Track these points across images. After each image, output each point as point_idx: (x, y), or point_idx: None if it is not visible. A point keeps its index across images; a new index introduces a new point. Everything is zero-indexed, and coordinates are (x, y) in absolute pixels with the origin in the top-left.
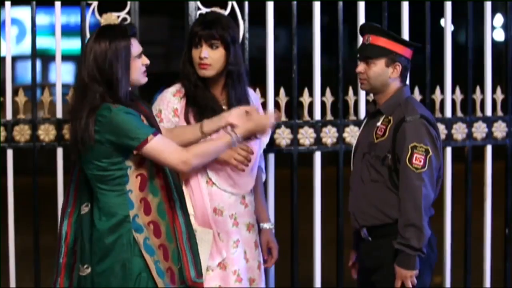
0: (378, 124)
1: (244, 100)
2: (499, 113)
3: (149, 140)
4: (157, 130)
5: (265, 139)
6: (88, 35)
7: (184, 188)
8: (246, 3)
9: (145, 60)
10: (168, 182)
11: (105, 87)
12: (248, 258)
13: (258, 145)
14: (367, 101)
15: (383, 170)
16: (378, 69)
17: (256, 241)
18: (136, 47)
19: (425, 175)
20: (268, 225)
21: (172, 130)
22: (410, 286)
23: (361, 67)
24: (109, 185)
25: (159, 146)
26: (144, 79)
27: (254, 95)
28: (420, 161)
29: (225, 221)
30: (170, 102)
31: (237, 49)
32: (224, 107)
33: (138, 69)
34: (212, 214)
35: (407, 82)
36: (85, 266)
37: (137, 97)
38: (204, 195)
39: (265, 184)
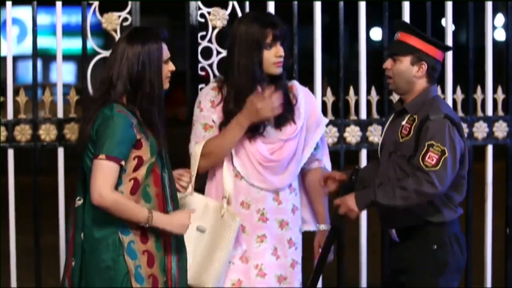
0: (403, 123)
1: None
2: (500, 112)
3: (98, 158)
4: (120, 159)
5: (315, 137)
6: (89, 35)
7: (212, 179)
8: (247, 3)
9: (171, 66)
10: (164, 192)
11: (131, 88)
12: (279, 255)
13: (296, 141)
14: (368, 101)
15: (409, 170)
16: (403, 66)
17: (291, 239)
18: (166, 52)
19: (434, 175)
20: (323, 226)
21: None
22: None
23: (387, 63)
24: None
25: (98, 169)
26: (167, 85)
27: (300, 87)
28: (433, 160)
29: (251, 215)
30: (208, 94)
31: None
32: None
33: (165, 75)
34: (239, 207)
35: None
36: (74, 259)
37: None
38: (227, 186)
39: None
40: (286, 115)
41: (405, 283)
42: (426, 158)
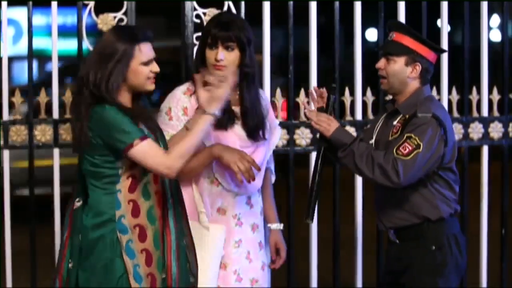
0: (395, 123)
1: (257, 101)
2: (496, 113)
3: (134, 145)
4: (146, 135)
5: (274, 140)
6: (84, 36)
7: (192, 186)
8: (243, 3)
9: (154, 67)
10: (164, 189)
11: (96, 85)
12: (252, 258)
13: (266, 146)
14: (363, 102)
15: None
16: (397, 66)
17: (261, 242)
18: (145, 53)
19: (401, 163)
20: (276, 226)
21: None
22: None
23: (381, 62)
24: (100, 182)
25: (144, 152)
26: (150, 86)
27: (264, 95)
28: (405, 150)
29: (227, 221)
30: (180, 100)
31: (251, 50)
32: (236, 108)
33: (142, 75)
34: (216, 213)
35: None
36: (71, 260)
37: (144, 104)
38: (204, 195)
39: None
40: (259, 119)
41: (405, 284)
42: (400, 148)
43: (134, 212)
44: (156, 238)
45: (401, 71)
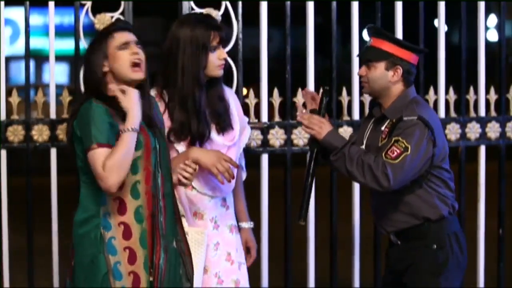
0: (383, 128)
1: (222, 97)
2: (493, 113)
3: (91, 149)
4: (108, 143)
5: (244, 139)
6: (81, 36)
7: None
8: (240, 3)
9: (134, 49)
10: (155, 191)
11: (85, 79)
12: (233, 259)
13: (237, 146)
14: (361, 102)
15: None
16: (378, 72)
17: (239, 242)
18: (118, 38)
19: (390, 167)
20: (247, 224)
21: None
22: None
23: (362, 70)
24: (87, 178)
25: (94, 159)
26: (133, 75)
27: (228, 90)
28: (393, 153)
29: (205, 225)
30: None
31: None
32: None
33: (122, 61)
34: (193, 218)
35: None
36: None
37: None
38: (183, 199)
39: (259, 184)
40: (227, 120)
41: (406, 284)
42: (389, 152)
43: (120, 209)
44: (143, 237)
45: (382, 76)
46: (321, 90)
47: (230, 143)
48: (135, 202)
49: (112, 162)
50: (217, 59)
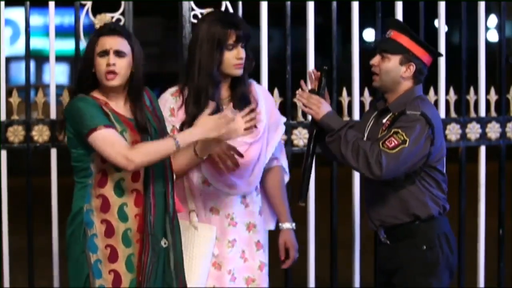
0: (384, 121)
1: (246, 96)
2: (493, 113)
3: (97, 129)
4: (112, 125)
5: (277, 137)
6: (82, 36)
7: (186, 185)
8: (240, 4)
9: (110, 60)
10: (145, 188)
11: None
12: (247, 257)
13: (260, 142)
14: (361, 102)
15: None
16: (391, 65)
17: (259, 242)
18: (101, 44)
19: (384, 156)
20: (287, 225)
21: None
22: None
23: (375, 59)
24: (78, 176)
25: (104, 138)
26: (107, 82)
27: (260, 88)
28: (391, 143)
29: (221, 220)
30: (167, 102)
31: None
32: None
33: (99, 67)
34: (209, 213)
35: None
36: None
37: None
38: (196, 195)
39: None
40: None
41: (397, 285)
42: (386, 141)
43: (103, 207)
44: (126, 236)
45: (394, 70)
46: (317, 72)
47: (251, 140)
48: (119, 200)
49: (145, 146)
50: (233, 58)
